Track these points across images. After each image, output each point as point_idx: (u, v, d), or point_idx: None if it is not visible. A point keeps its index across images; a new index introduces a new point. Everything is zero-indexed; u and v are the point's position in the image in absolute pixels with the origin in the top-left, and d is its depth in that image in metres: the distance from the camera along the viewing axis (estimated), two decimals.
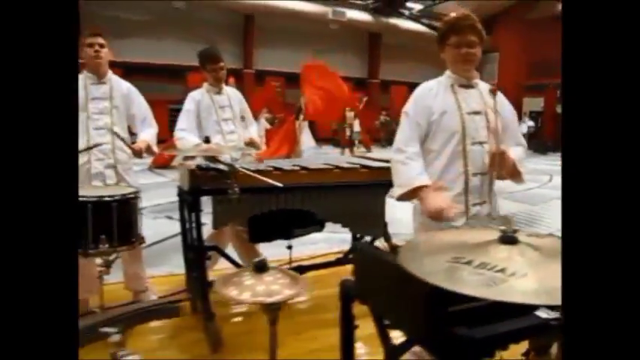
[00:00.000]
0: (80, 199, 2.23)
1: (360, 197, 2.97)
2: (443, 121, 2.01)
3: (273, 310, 1.36)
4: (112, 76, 2.91)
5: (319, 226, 3.32)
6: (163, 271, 3.71)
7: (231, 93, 3.27)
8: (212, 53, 3.15)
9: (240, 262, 3.06)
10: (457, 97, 2.05)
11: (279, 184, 2.53)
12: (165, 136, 4.26)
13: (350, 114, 14.67)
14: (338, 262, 3.39)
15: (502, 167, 1.99)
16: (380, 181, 2.97)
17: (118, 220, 2.28)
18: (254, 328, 2.51)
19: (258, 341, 1.83)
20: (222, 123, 3.12)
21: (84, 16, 15.75)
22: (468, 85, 2.08)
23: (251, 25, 18.78)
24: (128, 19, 16.65)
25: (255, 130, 3.52)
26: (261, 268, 1.37)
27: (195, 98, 3.12)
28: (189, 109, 3.09)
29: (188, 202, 2.57)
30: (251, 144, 3.17)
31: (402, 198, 2.04)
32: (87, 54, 2.79)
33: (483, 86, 2.13)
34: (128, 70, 16.06)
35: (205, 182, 2.45)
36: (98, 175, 2.73)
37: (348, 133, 15.41)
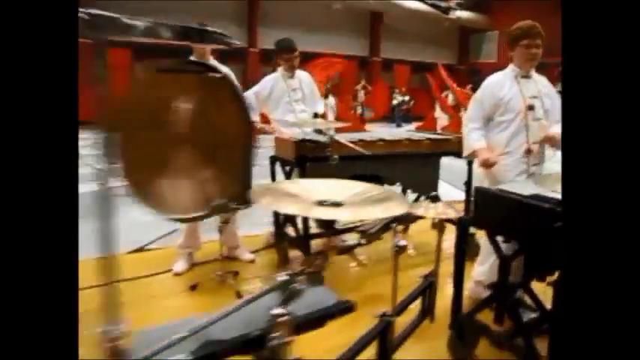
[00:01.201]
0: None
1: (420, 163, 3.45)
2: (510, 103, 2.63)
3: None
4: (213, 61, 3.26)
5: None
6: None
7: (302, 77, 3.65)
8: (288, 44, 3.53)
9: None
10: (520, 85, 2.65)
11: (367, 152, 2.96)
12: None
13: (361, 93, 15.01)
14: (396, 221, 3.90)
15: (554, 142, 2.61)
16: (436, 151, 3.53)
17: None
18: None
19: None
20: (293, 103, 3.51)
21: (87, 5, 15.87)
22: (527, 76, 2.68)
23: (255, 6, 18.85)
24: (134, 6, 16.65)
25: (322, 106, 3.92)
26: (434, 199, 1.79)
27: (268, 82, 3.52)
28: (255, 91, 3.53)
29: (292, 169, 3.00)
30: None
31: (468, 157, 2.82)
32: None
33: (537, 77, 2.76)
34: (137, 52, 16.28)
35: (308, 152, 2.86)
36: None
37: (359, 110, 15.79)
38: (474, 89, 12.40)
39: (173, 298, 2.89)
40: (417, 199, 3.87)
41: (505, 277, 2.02)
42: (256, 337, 0.99)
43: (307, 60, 17.09)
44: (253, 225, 3.88)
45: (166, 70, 1.10)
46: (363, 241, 3.57)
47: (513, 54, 2.68)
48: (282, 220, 3.28)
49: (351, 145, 2.90)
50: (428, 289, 2.10)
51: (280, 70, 3.57)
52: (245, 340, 1.00)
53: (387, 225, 1.51)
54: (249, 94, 3.48)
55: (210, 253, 3.43)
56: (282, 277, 1.05)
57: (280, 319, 0.98)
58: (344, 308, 1.37)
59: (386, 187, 1.51)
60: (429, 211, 1.86)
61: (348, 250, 3.67)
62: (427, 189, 3.62)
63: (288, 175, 3.11)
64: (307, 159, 2.85)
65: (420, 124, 15.24)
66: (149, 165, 1.02)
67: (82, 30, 0.96)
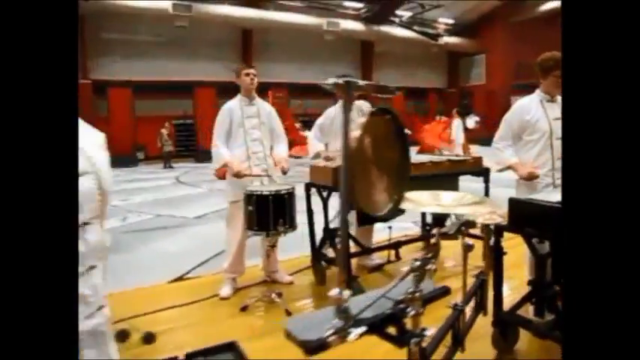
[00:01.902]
0: (263, 192, 2.89)
1: (441, 182, 3.72)
2: (537, 124, 2.93)
3: None
4: (258, 99, 3.54)
5: (401, 212, 4.06)
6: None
7: (363, 108, 3.98)
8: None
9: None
10: (545, 108, 2.95)
11: None
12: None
13: None
14: (422, 238, 4.14)
15: None
16: (455, 171, 3.82)
17: (289, 209, 2.94)
18: None
19: None
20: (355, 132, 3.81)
21: (91, 41, 16.18)
22: (552, 100, 2.98)
23: (249, 39, 19.42)
24: (134, 40, 17.16)
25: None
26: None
27: (331, 113, 3.82)
28: (320, 123, 3.79)
29: (329, 194, 3.25)
30: None
31: (500, 170, 3.14)
32: (244, 82, 3.42)
33: (559, 99, 3.03)
34: (136, 90, 16.68)
35: None
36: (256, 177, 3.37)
37: None
38: (460, 113, 12.82)
39: (228, 319, 3.07)
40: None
41: (542, 274, 2.27)
42: (400, 309, 1.19)
43: (305, 91, 17.70)
44: (283, 251, 4.10)
45: (375, 114, 1.38)
46: (392, 259, 3.82)
47: (544, 82, 2.95)
48: (319, 242, 3.51)
49: None
50: (481, 286, 2.33)
51: (341, 102, 3.88)
52: (394, 312, 1.21)
53: (459, 227, 1.74)
54: (315, 127, 3.81)
55: (250, 278, 3.65)
56: (418, 261, 1.28)
57: (416, 295, 1.20)
58: (444, 292, 1.58)
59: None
60: (477, 218, 2.11)
61: (378, 267, 3.91)
62: None
63: (325, 201, 3.35)
64: None
65: (417, 148, 15.61)
66: (366, 184, 1.31)
67: None
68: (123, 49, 16.97)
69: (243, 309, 3.12)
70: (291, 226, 2.97)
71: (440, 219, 1.50)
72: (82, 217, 1.12)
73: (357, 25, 20.51)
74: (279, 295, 3.24)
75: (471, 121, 20.01)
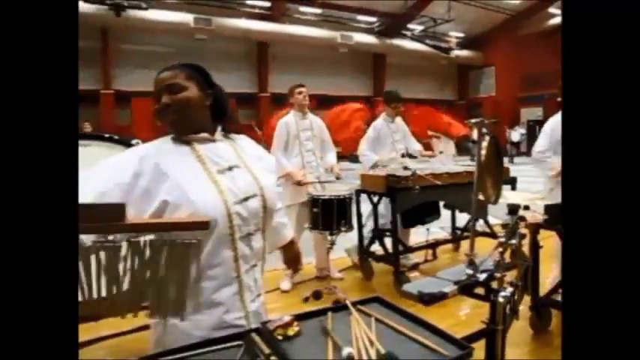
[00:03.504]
0: (329, 197, 3.37)
1: (470, 190, 4.18)
2: None
3: None
4: (310, 114, 4.04)
5: (438, 216, 4.55)
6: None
7: (400, 122, 4.49)
8: (397, 95, 4.38)
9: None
10: None
11: (439, 182, 3.69)
12: None
13: None
14: (458, 239, 4.64)
15: None
16: None
17: (349, 211, 3.41)
18: None
19: None
20: (395, 144, 4.33)
21: (115, 53, 16.78)
22: None
23: (265, 52, 20.04)
24: (156, 51, 17.78)
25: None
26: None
27: (377, 127, 4.30)
28: (370, 136, 4.29)
29: (380, 199, 3.71)
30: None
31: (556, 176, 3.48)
32: (297, 99, 3.92)
33: None
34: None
35: (396, 184, 3.58)
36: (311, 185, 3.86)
37: None
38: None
39: (294, 309, 3.52)
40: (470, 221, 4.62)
41: None
42: (489, 274, 1.66)
43: (321, 103, 18.23)
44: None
45: (491, 138, 1.87)
46: (429, 258, 4.27)
47: None
48: (368, 240, 3.98)
49: (428, 177, 3.63)
50: (526, 271, 2.78)
51: (383, 115, 4.39)
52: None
53: (515, 224, 2.19)
54: (367, 140, 4.31)
55: (304, 275, 4.11)
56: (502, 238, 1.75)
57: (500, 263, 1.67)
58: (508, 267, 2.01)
59: None
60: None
61: (415, 266, 4.36)
62: (479, 212, 4.36)
63: (375, 205, 3.83)
64: (396, 190, 3.56)
65: None
66: (485, 184, 1.77)
67: None
68: (145, 60, 17.58)
69: (306, 300, 3.58)
70: (351, 226, 3.45)
71: (514, 209, 1.96)
72: (248, 229, 1.32)
73: (369, 39, 21.13)
74: (335, 287, 3.70)
75: (517, 135, 20.57)
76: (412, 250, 4.14)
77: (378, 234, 3.89)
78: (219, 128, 1.41)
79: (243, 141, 1.49)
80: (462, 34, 23.24)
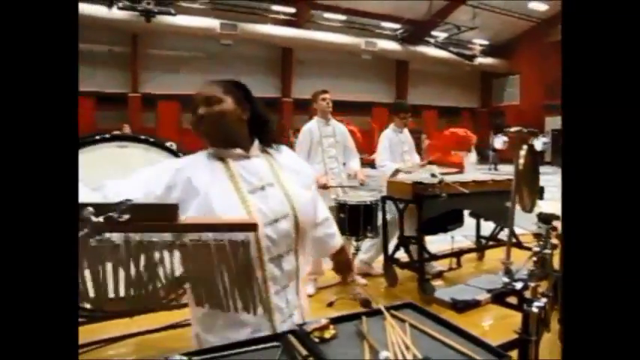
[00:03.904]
0: (354, 202, 3.38)
1: (500, 199, 4.14)
2: None
3: None
4: (333, 120, 4.07)
5: (461, 224, 4.52)
6: None
7: (407, 133, 4.50)
8: (405, 106, 4.40)
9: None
10: None
11: (466, 191, 3.67)
12: None
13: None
14: (483, 248, 4.62)
15: None
16: (510, 188, 4.22)
17: (375, 217, 3.43)
18: None
19: None
20: (404, 154, 4.33)
21: (141, 57, 17.12)
22: None
23: (289, 57, 20.19)
24: (181, 56, 18.09)
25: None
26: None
27: (388, 136, 4.32)
28: (385, 146, 4.29)
29: (406, 206, 3.72)
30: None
31: None
32: (321, 105, 3.96)
33: None
34: (182, 103, 17.54)
35: (422, 191, 3.58)
36: (332, 190, 3.89)
37: None
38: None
39: (320, 313, 3.55)
40: (496, 229, 4.57)
41: None
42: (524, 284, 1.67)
43: (344, 108, 18.28)
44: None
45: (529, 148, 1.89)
46: (454, 266, 4.24)
47: None
48: (393, 247, 3.98)
49: (455, 185, 3.62)
50: (558, 282, 2.75)
51: (392, 126, 4.40)
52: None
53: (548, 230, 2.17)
54: (384, 150, 4.33)
55: (327, 280, 4.13)
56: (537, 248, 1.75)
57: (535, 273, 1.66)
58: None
59: None
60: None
61: (439, 274, 4.33)
62: (504, 219, 4.32)
63: (401, 212, 3.82)
64: (423, 197, 3.56)
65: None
66: (522, 193, 1.79)
67: None
68: (171, 64, 17.92)
69: (330, 304, 3.60)
70: (377, 232, 3.46)
71: (548, 219, 1.95)
72: (278, 251, 1.31)
73: (393, 45, 21.11)
74: (359, 294, 3.69)
75: (500, 141, 20.30)
76: (437, 257, 4.12)
77: (403, 241, 3.88)
78: (256, 143, 1.41)
79: (282, 154, 1.48)
80: (486, 42, 23.04)
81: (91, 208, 0.78)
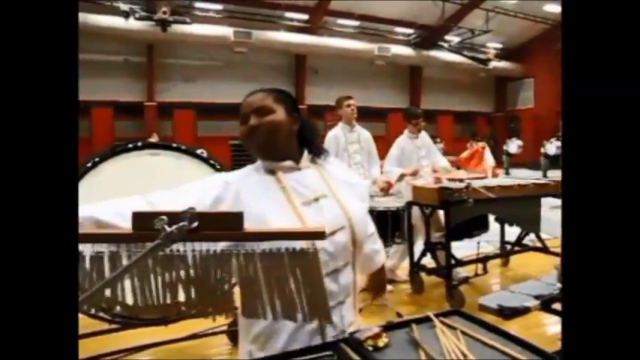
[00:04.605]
0: (382, 208, 3.36)
1: (526, 204, 4.09)
2: None
3: None
4: (357, 126, 4.07)
5: (486, 229, 4.47)
6: None
7: (425, 138, 4.46)
8: (415, 112, 4.38)
9: None
10: None
11: (492, 195, 3.63)
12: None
13: None
14: (508, 253, 4.56)
15: None
16: (538, 193, 4.19)
17: (403, 223, 3.40)
18: None
19: None
20: (420, 160, 4.30)
21: (157, 66, 17.33)
22: None
23: (303, 64, 20.26)
24: (196, 65, 18.25)
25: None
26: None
27: (400, 144, 4.30)
28: (394, 153, 4.28)
29: (432, 211, 3.69)
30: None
31: None
32: (345, 112, 3.96)
33: None
34: (197, 111, 17.70)
35: (449, 196, 3.55)
36: None
37: None
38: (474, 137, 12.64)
39: None
40: (521, 234, 4.51)
41: None
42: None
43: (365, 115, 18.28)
44: None
45: None
46: (480, 272, 4.18)
47: None
48: (420, 253, 3.94)
49: (483, 190, 3.58)
50: None
51: (406, 132, 4.37)
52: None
53: None
54: (392, 158, 4.31)
55: None
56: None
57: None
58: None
59: None
60: None
61: (465, 280, 4.28)
62: (530, 225, 4.25)
63: (427, 218, 3.79)
64: (450, 202, 3.53)
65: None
66: None
67: None
68: (186, 72, 18.09)
69: (359, 311, 3.57)
70: (404, 238, 3.43)
71: None
72: (335, 265, 1.27)
73: (406, 51, 21.07)
74: (386, 299, 3.67)
75: (514, 146, 20.13)
76: (463, 263, 4.08)
77: (430, 247, 3.85)
78: (306, 154, 1.36)
79: (333, 166, 1.42)
80: (500, 45, 22.91)
81: (165, 218, 0.77)
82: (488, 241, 5.48)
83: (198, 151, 2.60)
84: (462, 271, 4.35)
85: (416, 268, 3.98)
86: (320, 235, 0.90)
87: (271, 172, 1.31)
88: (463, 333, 1.29)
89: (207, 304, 0.99)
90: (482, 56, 22.01)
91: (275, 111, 1.31)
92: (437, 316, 1.38)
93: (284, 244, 0.90)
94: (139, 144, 2.54)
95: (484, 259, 4.12)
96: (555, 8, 19.89)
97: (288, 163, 1.31)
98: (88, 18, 14.84)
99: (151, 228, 0.82)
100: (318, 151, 1.40)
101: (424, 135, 4.48)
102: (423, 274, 4.05)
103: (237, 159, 18.11)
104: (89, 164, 2.37)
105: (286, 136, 1.32)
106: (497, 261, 4.82)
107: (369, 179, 4.02)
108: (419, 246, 4.01)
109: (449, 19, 19.84)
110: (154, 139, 11.88)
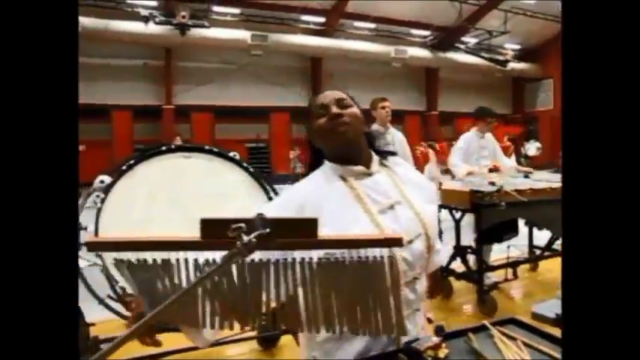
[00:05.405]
0: None
1: (556, 208, 3.98)
2: None
3: None
4: (391, 128, 4.03)
5: (516, 233, 4.38)
6: None
7: (490, 138, 4.42)
8: (490, 111, 4.44)
9: None
10: None
11: (524, 199, 3.55)
12: None
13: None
14: (538, 258, 4.49)
15: None
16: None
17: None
18: None
19: None
20: (480, 159, 4.26)
21: (175, 69, 17.47)
22: None
23: (319, 67, 20.26)
24: (214, 68, 18.36)
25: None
26: None
27: (467, 139, 4.26)
28: (461, 146, 4.24)
29: (463, 214, 3.62)
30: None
31: None
32: (380, 113, 3.92)
33: None
34: (216, 114, 17.80)
35: (481, 200, 3.48)
36: None
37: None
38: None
39: None
40: (552, 239, 4.42)
41: None
42: None
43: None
44: None
45: None
46: (510, 277, 4.10)
47: None
48: (449, 258, 3.88)
49: (514, 193, 3.50)
50: None
51: (473, 130, 4.35)
52: None
53: None
54: (458, 151, 4.32)
55: None
56: None
57: None
58: None
59: None
60: None
61: (494, 286, 4.20)
62: (560, 229, 4.17)
63: (457, 221, 3.73)
64: (481, 206, 3.46)
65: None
66: None
67: None
68: (203, 76, 18.20)
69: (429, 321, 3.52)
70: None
71: None
72: (413, 273, 1.23)
73: (423, 52, 20.95)
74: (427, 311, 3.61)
75: (533, 148, 19.80)
76: (494, 268, 4.01)
77: (460, 251, 3.78)
78: (376, 158, 1.31)
79: (401, 167, 1.37)
80: (518, 46, 22.67)
81: (243, 225, 0.74)
82: (515, 245, 5.39)
83: (231, 154, 2.59)
84: (491, 276, 4.27)
85: (445, 272, 3.91)
86: (398, 242, 0.86)
87: (342, 178, 1.25)
88: (525, 344, 1.24)
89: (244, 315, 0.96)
90: (500, 57, 21.80)
91: (353, 106, 1.28)
92: (493, 324, 1.34)
93: (360, 253, 0.86)
94: (173, 147, 2.54)
95: (514, 264, 4.03)
96: None
97: (360, 168, 1.26)
98: (110, 24, 15.04)
99: (221, 236, 0.79)
100: (386, 153, 1.36)
101: (490, 136, 4.45)
102: (451, 279, 3.98)
103: (253, 162, 18.23)
104: (124, 167, 2.37)
105: (362, 135, 1.28)
106: (526, 266, 4.72)
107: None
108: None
109: (466, 20, 19.68)
110: (177, 142, 11.97)
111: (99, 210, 2.23)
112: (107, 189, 2.26)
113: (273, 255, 0.92)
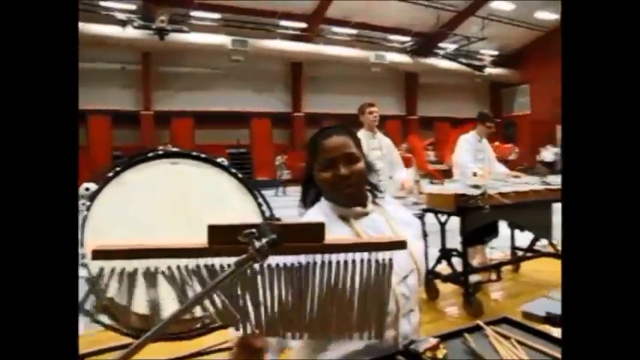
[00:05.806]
0: None
1: (538, 210, 4.06)
2: None
3: None
4: (379, 133, 4.06)
5: (496, 234, 4.45)
6: None
7: (486, 143, 4.53)
8: (490, 116, 4.54)
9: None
10: None
11: (508, 202, 3.61)
12: None
13: None
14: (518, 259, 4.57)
15: None
16: (550, 198, 4.15)
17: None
18: None
19: None
20: (477, 162, 4.31)
21: (154, 75, 17.28)
22: None
23: (299, 72, 20.29)
24: (193, 73, 18.23)
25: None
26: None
27: (469, 140, 4.37)
28: (467, 148, 4.37)
29: (448, 218, 3.66)
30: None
31: None
32: (367, 118, 3.95)
33: None
34: (198, 119, 17.65)
35: (465, 203, 3.52)
36: None
37: None
38: None
39: None
40: (533, 240, 4.50)
41: None
42: None
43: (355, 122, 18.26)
44: None
45: None
46: (492, 277, 4.15)
47: None
48: (434, 261, 3.92)
49: (497, 196, 3.56)
50: None
51: (474, 133, 4.39)
52: None
53: None
54: (465, 153, 4.36)
55: None
56: None
57: None
58: None
59: None
60: None
61: (478, 286, 4.24)
62: (543, 231, 4.24)
63: (443, 224, 3.77)
64: (466, 209, 3.51)
65: None
66: None
67: None
68: (183, 81, 18.05)
69: None
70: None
71: None
72: (410, 306, 1.29)
73: (402, 58, 21.17)
74: None
75: (549, 154, 20.04)
76: (479, 270, 4.06)
77: (445, 254, 3.83)
78: (370, 197, 1.36)
79: (390, 206, 1.41)
80: (495, 52, 23.07)
81: (254, 231, 0.74)
82: (496, 247, 5.48)
83: (219, 160, 2.58)
84: (474, 277, 4.33)
85: (431, 275, 3.95)
86: (402, 245, 0.87)
87: (342, 218, 1.30)
88: (519, 342, 1.27)
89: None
90: (477, 63, 22.15)
91: (360, 159, 1.30)
92: (487, 324, 1.36)
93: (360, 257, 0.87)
94: (160, 152, 2.50)
95: (498, 265, 4.10)
96: (548, 16, 20.09)
97: (359, 209, 1.30)
98: (84, 27, 14.81)
99: (229, 241, 0.79)
100: (377, 192, 1.40)
101: (486, 141, 4.51)
102: (437, 282, 4.02)
103: (234, 167, 18.03)
104: (110, 174, 2.32)
105: (364, 184, 1.34)
106: (508, 267, 4.79)
107: (397, 182, 4.02)
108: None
109: (444, 26, 19.99)
110: (169, 148, 11.81)
111: (85, 218, 2.18)
112: (93, 196, 2.21)
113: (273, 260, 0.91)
